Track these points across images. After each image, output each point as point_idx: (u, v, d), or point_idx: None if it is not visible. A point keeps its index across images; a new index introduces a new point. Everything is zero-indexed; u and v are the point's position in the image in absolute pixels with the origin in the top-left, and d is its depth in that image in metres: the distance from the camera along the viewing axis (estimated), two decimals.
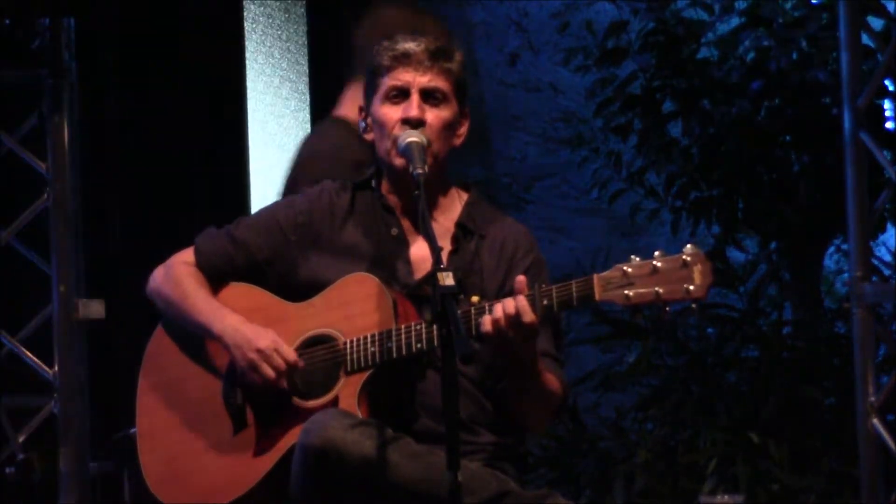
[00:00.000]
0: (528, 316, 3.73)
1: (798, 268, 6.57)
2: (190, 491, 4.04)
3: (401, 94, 4.03)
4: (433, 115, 4.01)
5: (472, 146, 7.33)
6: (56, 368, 5.43)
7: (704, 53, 6.55)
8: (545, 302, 3.74)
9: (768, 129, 6.48)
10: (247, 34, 6.70)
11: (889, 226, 6.35)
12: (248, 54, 6.70)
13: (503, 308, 3.73)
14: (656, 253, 3.70)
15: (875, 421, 5.45)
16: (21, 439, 5.44)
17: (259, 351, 3.94)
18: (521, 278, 3.79)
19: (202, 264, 4.13)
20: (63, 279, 5.43)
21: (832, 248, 6.68)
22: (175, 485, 4.07)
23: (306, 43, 6.86)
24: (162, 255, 4.21)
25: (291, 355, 3.93)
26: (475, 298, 3.82)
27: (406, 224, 4.08)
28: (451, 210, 4.10)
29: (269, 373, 3.92)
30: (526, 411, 3.94)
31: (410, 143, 3.93)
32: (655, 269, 3.68)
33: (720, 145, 6.52)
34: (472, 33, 7.44)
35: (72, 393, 5.43)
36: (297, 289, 4.03)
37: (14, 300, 5.68)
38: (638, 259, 3.70)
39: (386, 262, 4.02)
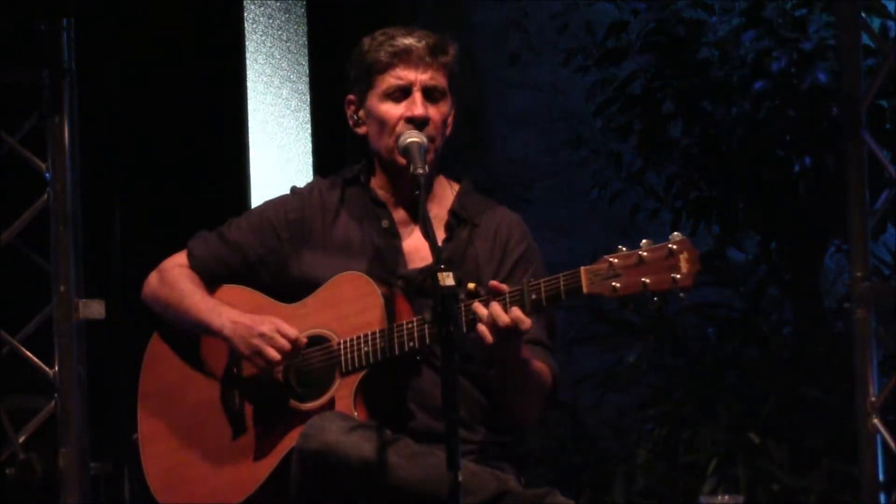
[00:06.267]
0: (518, 316, 3.72)
1: (798, 268, 6.57)
2: (192, 496, 4.04)
3: (402, 92, 4.02)
4: (434, 111, 4.02)
5: (472, 146, 7.37)
6: (56, 368, 5.43)
7: (705, 54, 6.55)
8: (534, 297, 3.74)
9: (769, 129, 6.48)
10: (247, 34, 6.69)
11: (889, 226, 6.34)
12: (248, 54, 6.69)
13: (495, 313, 3.72)
14: (643, 242, 3.69)
15: (875, 421, 5.45)
16: (21, 439, 5.43)
17: (261, 335, 3.93)
18: (493, 283, 3.79)
19: (196, 267, 4.13)
20: (63, 279, 5.43)
21: (832, 248, 6.68)
22: (177, 490, 4.08)
23: (306, 43, 6.85)
24: (162, 255, 4.21)
25: (293, 333, 3.92)
26: (471, 285, 3.81)
27: (397, 216, 4.07)
28: (443, 199, 4.10)
29: (274, 354, 3.92)
30: (514, 401, 3.94)
31: (410, 143, 3.93)
32: (642, 259, 3.67)
33: (720, 145, 6.52)
34: (472, 33, 7.43)
35: (72, 393, 5.43)
36: (291, 287, 4.04)
37: (14, 300, 5.67)
38: (624, 250, 3.69)
39: (379, 255, 4.02)
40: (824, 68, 6.37)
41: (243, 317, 3.99)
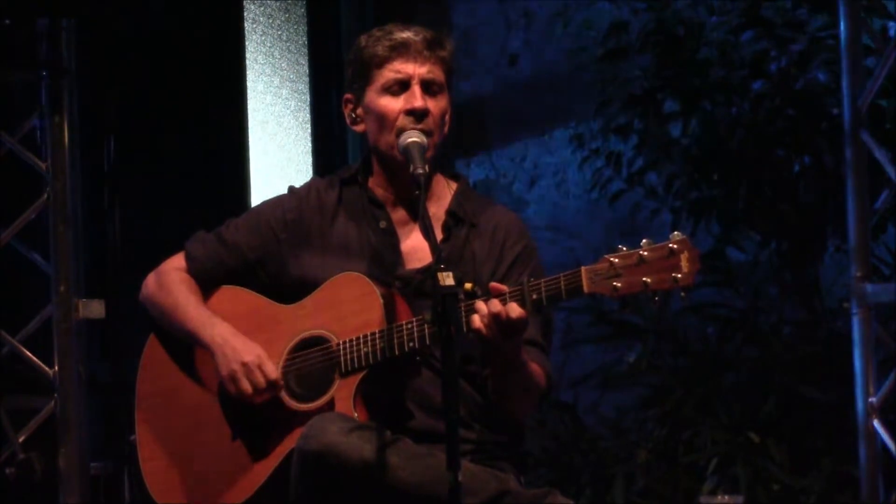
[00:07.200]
0: (516, 311, 3.72)
1: (798, 268, 6.57)
2: (192, 498, 4.04)
3: (400, 86, 4.01)
4: (433, 105, 4.00)
5: (472, 146, 7.36)
6: (56, 368, 5.43)
7: (704, 53, 6.55)
8: (534, 296, 3.74)
9: (769, 129, 6.48)
10: (247, 34, 6.70)
11: (889, 226, 6.34)
12: (248, 54, 6.70)
13: (494, 308, 3.72)
14: (643, 242, 3.69)
15: (875, 421, 5.46)
16: (21, 439, 5.44)
17: (243, 364, 3.93)
18: (493, 284, 3.79)
19: (194, 270, 4.12)
20: (63, 279, 5.44)
21: (832, 248, 6.68)
22: (177, 492, 4.07)
23: (306, 43, 6.86)
24: (161, 256, 4.20)
25: (273, 374, 3.92)
26: (468, 285, 3.80)
27: (395, 216, 4.06)
28: (441, 199, 4.09)
29: (247, 387, 3.92)
30: (508, 399, 3.93)
31: (410, 143, 3.92)
32: (642, 258, 3.67)
33: (720, 145, 6.52)
34: (473, 33, 7.43)
35: (72, 393, 5.43)
36: (290, 288, 4.03)
37: (14, 300, 5.68)
38: (625, 249, 3.69)
39: (377, 255, 4.01)
40: (823, 68, 6.37)
41: (234, 337, 3.98)
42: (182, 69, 6.45)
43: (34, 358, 5.46)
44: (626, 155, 6.78)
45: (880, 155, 5.54)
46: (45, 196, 5.47)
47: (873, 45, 5.73)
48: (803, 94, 6.42)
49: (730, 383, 6.45)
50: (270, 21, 6.78)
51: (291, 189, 4.18)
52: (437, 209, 4.06)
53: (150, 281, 4.16)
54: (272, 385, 3.92)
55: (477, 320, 3.73)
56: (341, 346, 3.90)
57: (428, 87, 4.01)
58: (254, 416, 4.00)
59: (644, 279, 3.66)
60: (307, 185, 4.17)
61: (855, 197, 5.55)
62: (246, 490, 3.95)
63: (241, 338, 3.97)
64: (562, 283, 3.73)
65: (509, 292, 3.75)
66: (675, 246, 3.66)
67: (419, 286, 3.94)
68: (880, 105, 6.12)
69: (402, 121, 3.98)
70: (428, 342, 3.81)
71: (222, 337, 3.98)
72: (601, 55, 6.67)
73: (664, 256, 3.66)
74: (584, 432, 6.58)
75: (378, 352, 3.85)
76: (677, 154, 6.60)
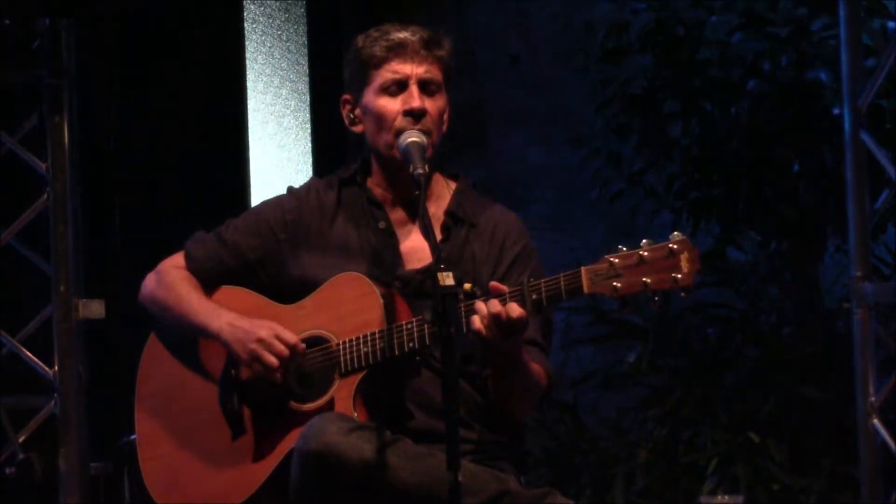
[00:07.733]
0: (516, 311, 3.72)
1: (798, 268, 6.57)
2: (191, 498, 4.03)
3: (398, 86, 4.01)
4: (430, 105, 3.99)
5: (472, 146, 7.36)
6: (56, 368, 5.44)
7: (704, 54, 6.55)
8: (534, 297, 3.74)
9: (768, 129, 6.48)
10: (247, 34, 6.71)
11: (889, 226, 6.34)
12: (248, 54, 6.71)
13: (493, 309, 3.72)
14: (643, 242, 3.69)
15: (875, 421, 5.46)
16: (21, 439, 5.44)
17: (260, 340, 3.92)
18: (493, 284, 3.79)
19: (194, 269, 4.11)
20: (63, 279, 5.44)
21: (832, 248, 6.68)
22: (177, 492, 4.06)
23: (306, 43, 6.86)
24: (161, 255, 4.20)
25: (292, 338, 3.91)
26: (468, 286, 3.80)
27: (394, 216, 4.06)
28: (440, 199, 4.09)
29: (272, 360, 3.91)
30: (508, 399, 3.93)
31: (409, 143, 3.92)
32: (642, 259, 3.67)
33: (720, 145, 6.52)
34: (472, 33, 7.43)
35: (72, 393, 5.44)
36: (289, 288, 4.02)
37: (14, 300, 5.68)
38: (625, 249, 3.69)
39: (377, 255, 4.01)
40: (824, 68, 6.37)
41: (242, 320, 3.98)
42: (182, 69, 6.45)
43: (34, 358, 5.47)
44: (626, 155, 6.78)
45: (880, 155, 5.54)
46: (45, 196, 5.47)
47: (873, 45, 5.73)
48: (803, 95, 6.42)
49: (730, 383, 6.46)
50: (270, 21, 6.78)
51: (290, 189, 4.18)
52: (437, 209, 4.05)
53: (150, 280, 4.16)
54: (294, 350, 3.91)
55: (477, 321, 3.73)
56: (341, 346, 3.90)
57: (426, 87, 4.01)
58: (253, 415, 4.00)
59: (644, 279, 3.67)
60: (306, 186, 4.17)
61: (855, 197, 5.54)
62: (246, 490, 3.95)
63: (249, 319, 3.97)
64: (562, 283, 3.73)
65: (509, 292, 3.75)
66: (675, 246, 3.66)
67: (419, 286, 3.94)
68: (880, 105, 6.12)
69: (401, 121, 3.98)
70: (428, 342, 3.81)
71: (230, 323, 3.98)
72: (601, 55, 6.67)
73: (664, 257, 3.66)
74: (584, 432, 6.59)
75: (378, 352, 3.85)
76: (677, 154, 6.61)
